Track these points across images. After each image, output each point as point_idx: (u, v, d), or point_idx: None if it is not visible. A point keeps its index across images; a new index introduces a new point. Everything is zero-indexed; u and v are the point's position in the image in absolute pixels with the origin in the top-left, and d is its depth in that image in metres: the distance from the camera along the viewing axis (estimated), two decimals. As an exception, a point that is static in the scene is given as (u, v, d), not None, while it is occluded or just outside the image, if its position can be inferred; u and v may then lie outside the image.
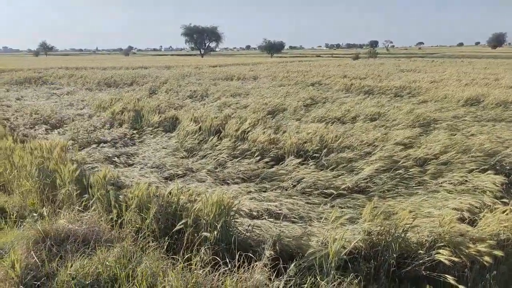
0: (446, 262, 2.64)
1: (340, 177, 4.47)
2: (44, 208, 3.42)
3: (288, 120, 7.52)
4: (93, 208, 3.31)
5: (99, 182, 3.47)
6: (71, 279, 2.47)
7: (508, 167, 4.77)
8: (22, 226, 3.23)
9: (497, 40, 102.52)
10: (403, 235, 2.98)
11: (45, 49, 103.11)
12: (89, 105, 9.52)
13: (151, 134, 6.59)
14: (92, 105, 9.48)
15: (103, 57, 70.05)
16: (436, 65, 27.43)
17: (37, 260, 2.64)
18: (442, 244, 2.86)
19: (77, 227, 2.93)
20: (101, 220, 3.17)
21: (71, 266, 2.56)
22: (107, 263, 2.56)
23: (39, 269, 2.60)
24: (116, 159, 5.21)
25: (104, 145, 5.82)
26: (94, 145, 5.75)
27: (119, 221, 3.19)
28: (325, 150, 5.35)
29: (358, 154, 5.21)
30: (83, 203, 3.42)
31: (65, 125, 7.15)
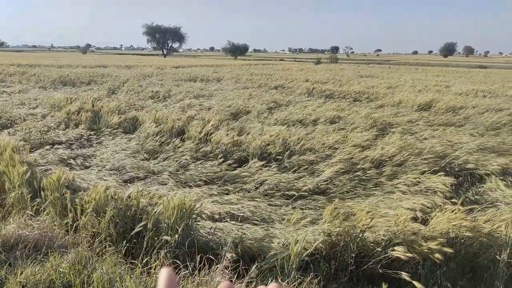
0: (401, 257, 2.77)
1: (301, 179, 4.55)
2: (-9, 213, 3.21)
3: (251, 122, 7.56)
4: (46, 212, 3.14)
5: (52, 185, 3.30)
6: (21, 287, 2.33)
7: (457, 169, 5.07)
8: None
9: (448, 49, 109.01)
10: (361, 235, 3.09)
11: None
12: (42, 105, 9.03)
13: (110, 136, 6.37)
14: (46, 104, 9.00)
15: (59, 55, 66.84)
16: (393, 72, 28.68)
17: (-18, 268, 2.46)
18: (397, 242, 2.99)
19: (28, 233, 2.77)
20: (55, 225, 3.02)
21: (21, 273, 2.41)
22: (61, 269, 2.44)
23: (-15, 278, 2.43)
24: (71, 161, 4.98)
25: (59, 146, 5.55)
26: (48, 147, 5.46)
27: (74, 225, 3.05)
28: (287, 153, 5.43)
29: (319, 156, 5.33)
30: (35, 207, 3.24)
31: (16, 125, 6.74)
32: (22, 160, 3.99)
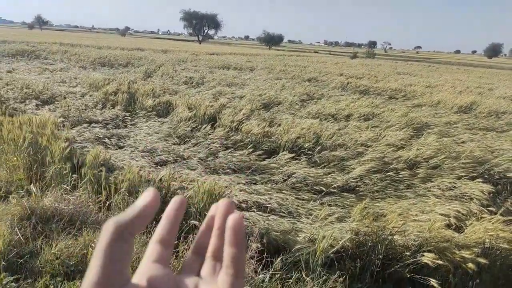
0: (430, 263, 2.68)
1: (331, 174, 4.49)
2: (32, 185, 3.36)
3: (283, 114, 7.50)
4: (82, 188, 3.26)
5: (90, 162, 3.42)
6: (55, 259, 2.44)
7: (496, 177, 4.84)
8: (7, 202, 3.17)
9: (494, 50, 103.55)
10: (390, 237, 3.01)
11: (40, 23, 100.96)
12: (82, 84, 9.35)
13: (143, 118, 6.52)
14: (85, 83, 9.31)
15: (99, 36, 68.89)
16: (432, 70, 27.61)
17: (21, 237, 2.59)
18: (428, 248, 2.90)
19: (64, 207, 2.89)
20: (89, 201, 3.13)
21: (56, 245, 2.52)
22: (93, 245, 2.53)
23: (23, 246, 2.56)
24: (106, 140, 5.13)
25: (95, 125, 5.74)
26: (85, 125, 5.66)
27: (108, 203, 3.15)
28: (318, 147, 5.35)
29: (350, 153, 5.23)
30: (72, 183, 3.37)
31: (56, 102, 7.02)
32: (62, 136, 4.15)
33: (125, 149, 4.92)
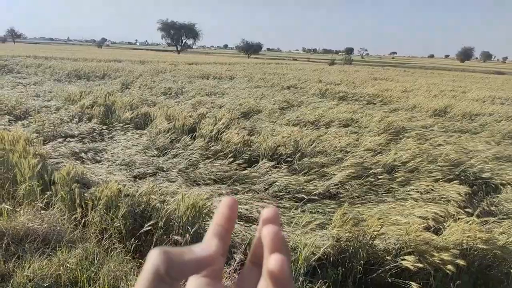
0: (411, 267, 2.71)
1: (312, 182, 4.50)
2: (3, 204, 3.23)
3: (262, 122, 7.52)
4: (56, 206, 3.16)
5: (63, 179, 3.32)
6: (28, 281, 2.34)
7: (471, 178, 4.96)
8: (-23, 223, 3.03)
9: (466, 54, 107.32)
10: (370, 242, 3.03)
11: (13, 36, 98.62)
12: (57, 97, 9.13)
13: (121, 131, 6.40)
14: (60, 97, 9.10)
15: (75, 48, 67.73)
16: (408, 75, 28.32)
17: (-9, 260, 2.48)
18: (408, 251, 2.93)
19: (37, 226, 2.79)
20: (64, 219, 3.03)
21: (29, 267, 2.42)
22: (68, 265, 2.44)
23: (-6, 270, 2.44)
24: (83, 154, 5.01)
25: (71, 139, 5.59)
26: (60, 139, 5.51)
27: (83, 220, 3.06)
28: (298, 154, 5.37)
29: (331, 159, 5.27)
30: (45, 200, 3.26)
31: (30, 117, 6.82)
32: (34, 152, 4.03)
33: (103, 163, 4.81)
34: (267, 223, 0.33)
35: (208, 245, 0.32)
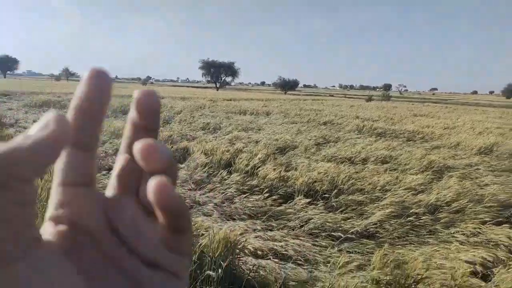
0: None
1: (349, 220, 4.39)
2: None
3: (298, 157, 7.51)
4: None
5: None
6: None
7: (523, 221, 4.61)
8: None
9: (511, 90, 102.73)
10: (413, 286, 2.87)
11: (67, 74, 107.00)
12: (103, 131, 9.68)
13: (161, 164, 6.62)
14: (106, 131, 9.64)
15: (121, 85, 72.16)
16: (450, 111, 27.45)
17: None
18: (454, 299, 2.74)
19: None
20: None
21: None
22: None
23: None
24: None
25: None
26: (104, 172, 5.79)
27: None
28: (335, 191, 5.28)
29: (369, 197, 5.13)
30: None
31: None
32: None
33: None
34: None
35: (47, 122, 0.20)
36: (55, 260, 0.21)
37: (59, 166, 0.22)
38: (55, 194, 0.23)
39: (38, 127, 0.20)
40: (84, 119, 0.22)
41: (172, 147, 7.65)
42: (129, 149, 0.24)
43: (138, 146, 0.22)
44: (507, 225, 4.16)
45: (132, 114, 0.25)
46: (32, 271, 0.19)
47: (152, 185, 0.20)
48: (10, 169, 0.18)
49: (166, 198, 0.21)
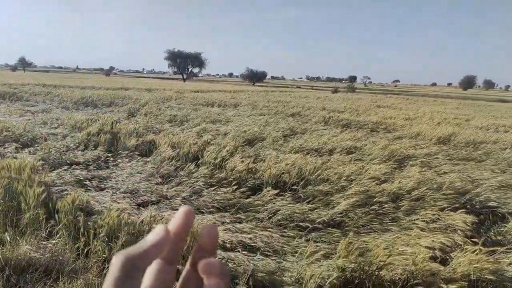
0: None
1: (316, 210, 4.47)
2: (7, 233, 3.23)
3: (266, 149, 7.55)
4: (58, 235, 3.14)
5: (67, 207, 3.32)
6: (27, 313, 2.30)
7: (478, 206, 4.90)
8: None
9: (468, 82, 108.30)
10: (377, 272, 2.97)
11: (24, 64, 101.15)
12: (64, 125, 9.27)
13: (126, 158, 6.44)
14: (67, 124, 9.24)
15: (83, 76, 69.24)
16: (411, 103, 28.52)
17: (-8, 290, 2.45)
18: (415, 282, 2.86)
19: (39, 256, 2.77)
20: (66, 249, 3.01)
21: (30, 298, 2.39)
22: (69, 295, 2.41)
23: (-6, 300, 2.41)
24: (87, 182, 5.03)
25: (77, 167, 5.64)
26: (66, 167, 5.56)
27: (86, 250, 3.04)
28: (302, 182, 5.36)
29: (335, 187, 5.24)
30: (48, 229, 3.25)
31: (37, 144, 6.91)
32: (40, 180, 4.06)
33: (107, 191, 4.82)
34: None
35: (157, 230, 0.35)
36: None
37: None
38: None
39: (152, 234, 0.34)
40: (175, 241, 0.36)
41: (137, 140, 7.45)
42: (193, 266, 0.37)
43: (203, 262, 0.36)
44: (463, 210, 4.40)
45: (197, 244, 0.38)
46: None
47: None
48: (137, 262, 0.31)
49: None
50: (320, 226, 4.08)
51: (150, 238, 0.34)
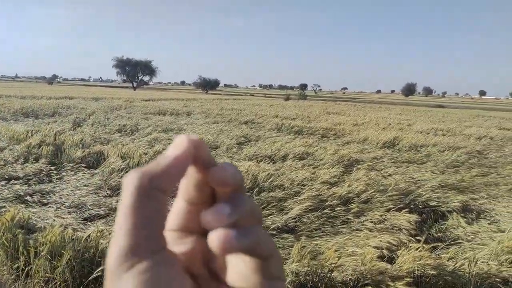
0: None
1: (270, 216, 4.52)
2: None
3: (221, 157, 7.52)
4: (-6, 256, 2.90)
5: (5, 225, 3.08)
6: None
7: (420, 206, 5.21)
8: None
9: (409, 89, 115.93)
10: (329, 274, 3.05)
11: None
12: (0, 137, 8.60)
13: (71, 171, 6.10)
14: (4, 136, 8.58)
15: (23, 85, 64.89)
16: (358, 109, 29.85)
17: None
18: (365, 282, 2.98)
19: (-29, 280, 2.53)
20: (4, 270, 2.78)
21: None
22: (6, 321, 2.22)
23: None
24: (28, 197, 4.70)
25: (15, 182, 5.25)
26: (3, 182, 5.15)
27: (26, 269, 2.82)
28: (256, 189, 5.40)
29: (288, 193, 5.33)
30: (-17, 251, 2.98)
31: (-32, 159, 6.34)
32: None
33: (50, 206, 4.53)
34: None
35: (178, 141, 0.27)
36: (174, 262, 0.25)
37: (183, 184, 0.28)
38: (178, 209, 0.29)
39: (172, 147, 0.27)
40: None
41: (83, 152, 7.10)
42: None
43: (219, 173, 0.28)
44: (407, 210, 4.67)
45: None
46: (158, 269, 0.23)
47: (214, 238, 0.25)
48: (155, 182, 0.25)
49: (231, 247, 0.25)
50: (275, 232, 4.12)
51: (170, 153, 0.26)
